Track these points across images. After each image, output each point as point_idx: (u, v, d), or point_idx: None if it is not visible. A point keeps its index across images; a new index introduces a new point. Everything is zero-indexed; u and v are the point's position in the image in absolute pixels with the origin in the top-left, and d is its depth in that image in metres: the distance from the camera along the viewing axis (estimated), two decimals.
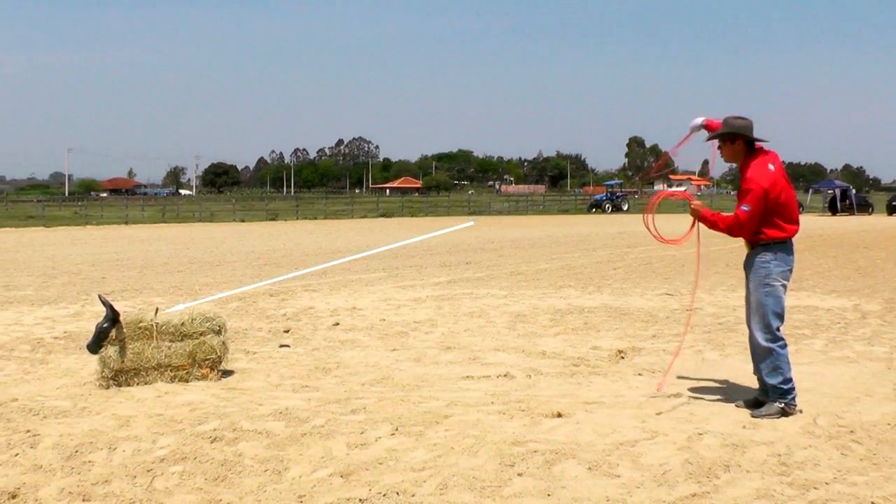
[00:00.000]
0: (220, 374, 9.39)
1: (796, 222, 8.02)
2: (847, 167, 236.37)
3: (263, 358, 10.70)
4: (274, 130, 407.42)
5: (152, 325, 9.20)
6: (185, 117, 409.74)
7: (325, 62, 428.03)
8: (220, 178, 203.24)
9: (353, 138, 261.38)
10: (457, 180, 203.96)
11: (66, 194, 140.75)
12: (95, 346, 9.14)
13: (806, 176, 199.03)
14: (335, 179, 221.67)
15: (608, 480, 6.08)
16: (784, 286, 7.94)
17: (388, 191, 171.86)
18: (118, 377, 9.08)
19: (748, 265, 8.06)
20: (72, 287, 18.85)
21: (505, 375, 9.49)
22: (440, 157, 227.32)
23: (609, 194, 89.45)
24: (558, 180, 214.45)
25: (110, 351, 9.08)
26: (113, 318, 9.15)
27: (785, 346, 7.95)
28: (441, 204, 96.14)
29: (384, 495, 5.83)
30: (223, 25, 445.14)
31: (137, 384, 9.07)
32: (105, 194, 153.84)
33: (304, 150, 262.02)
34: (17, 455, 6.75)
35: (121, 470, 6.38)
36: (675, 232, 8.97)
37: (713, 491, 5.87)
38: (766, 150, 8.05)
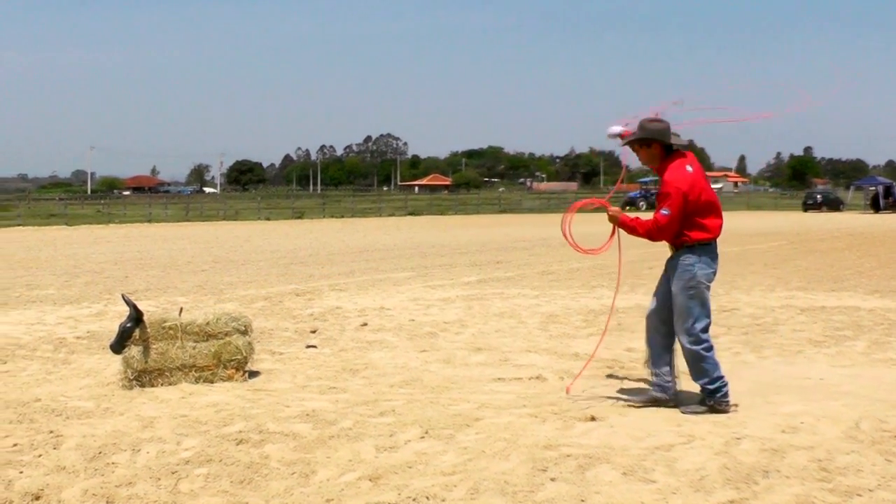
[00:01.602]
0: (245, 374, 9.42)
1: (719, 222, 8.06)
2: (890, 163, 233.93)
3: (290, 359, 10.73)
4: (300, 127, 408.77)
5: (176, 325, 9.23)
6: (209, 114, 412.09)
7: (353, 57, 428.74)
8: (244, 176, 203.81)
9: (381, 135, 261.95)
10: (487, 177, 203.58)
11: (89, 192, 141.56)
12: (119, 345, 9.19)
13: (847, 172, 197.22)
14: (362, 177, 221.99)
15: (643, 486, 6.05)
16: (708, 288, 7.98)
17: (416, 188, 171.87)
18: (142, 378, 9.13)
19: (671, 267, 8.10)
20: (94, 286, 18.97)
21: (537, 377, 9.48)
22: (470, 154, 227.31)
23: (644, 192, 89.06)
24: (591, 177, 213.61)
25: (134, 351, 9.13)
26: (136, 317, 9.20)
27: (710, 348, 8.02)
28: (471, 202, 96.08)
29: (413, 500, 5.82)
30: (248, 20, 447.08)
31: (161, 385, 9.11)
32: (128, 192, 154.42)
33: (330, 146, 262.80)
34: (40, 456, 6.79)
35: (145, 472, 6.41)
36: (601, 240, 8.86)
37: (751, 497, 5.83)
38: (683, 152, 8.11)
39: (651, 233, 7.94)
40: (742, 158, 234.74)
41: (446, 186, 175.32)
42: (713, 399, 7.95)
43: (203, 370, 9.23)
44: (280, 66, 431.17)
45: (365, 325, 13.31)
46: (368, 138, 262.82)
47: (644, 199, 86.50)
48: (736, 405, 8.03)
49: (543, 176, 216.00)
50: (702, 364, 7.96)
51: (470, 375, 9.66)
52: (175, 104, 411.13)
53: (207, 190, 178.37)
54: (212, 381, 9.19)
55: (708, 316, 8.01)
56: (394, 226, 53.52)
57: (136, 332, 9.17)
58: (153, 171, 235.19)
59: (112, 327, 12.15)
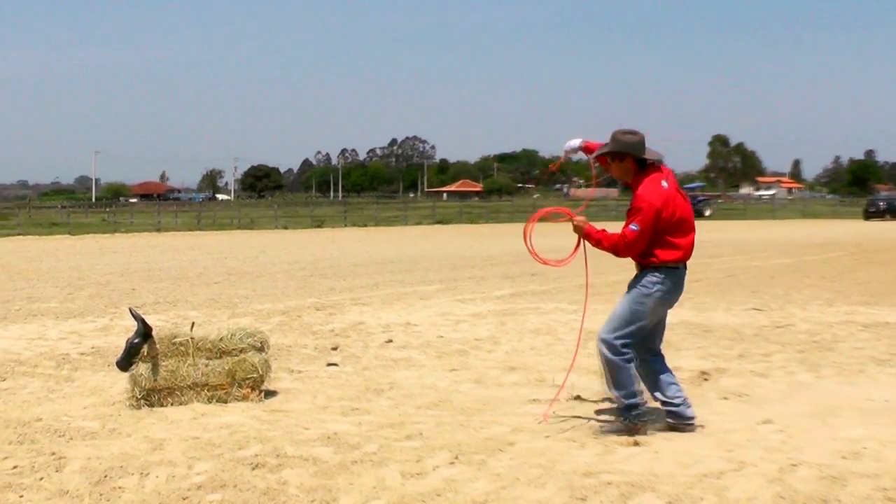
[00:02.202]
0: (262, 394, 9.44)
1: (691, 243, 8.12)
2: None
3: (309, 377, 10.74)
4: (320, 130, 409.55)
5: (188, 341, 9.27)
6: (222, 116, 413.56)
7: (377, 54, 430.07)
8: (260, 182, 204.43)
9: (407, 137, 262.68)
10: (521, 183, 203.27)
11: (93, 200, 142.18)
12: (126, 362, 9.23)
13: None
14: (387, 183, 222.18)
15: None
16: (654, 311, 8.03)
17: (444, 195, 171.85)
18: (150, 397, 9.16)
19: (633, 283, 8.13)
20: (99, 299, 19.07)
21: (575, 398, 9.45)
22: (502, 158, 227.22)
23: (690, 198, 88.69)
24: None
25: (142, 368, 9.17)
26: (145, 332, 9.24)
27: (630, 361, 8.03)
28: (503, 209, 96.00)
29: None
30: (264, 16, 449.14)
31: (171, 405, 9.14)
32: (135, 200, 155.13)
33: (352, 150, 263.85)
34: (41, 479, 6.83)
35: (154, 497, 6.43)
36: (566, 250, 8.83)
37: None
38: (660, 167, 8.13)
39: (617, 247, 7.97)
40: (797, 163, 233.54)
41: (477, 193, 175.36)
42: (629, 416, 8.01)
43: (216, 389, 9.25)
44: (298, 64, 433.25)
45: (390, 341, 13.32)
46: (393, 141, 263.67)
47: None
48: (644, 424, 8.03)
49: (581, 182, 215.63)
50: (618, 375, 8.01)
51: (503, 396, 9.65)
52: (186, 105, 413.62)
53: (220, 197, 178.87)
54: (225, 401, 9.22)
55: (634, 339, 8.03)
56: (420, 235, 53.57)
57: (145, 349, 9.20)
58: (162, 177, 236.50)
59: (118, 343, 12.19)
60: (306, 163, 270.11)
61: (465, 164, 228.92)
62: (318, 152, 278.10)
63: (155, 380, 9.15)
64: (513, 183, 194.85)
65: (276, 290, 20.68)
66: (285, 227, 66.96)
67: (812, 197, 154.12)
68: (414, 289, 20.93)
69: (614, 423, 8.15)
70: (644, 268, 8.07)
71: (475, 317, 15.95)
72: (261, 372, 9.39)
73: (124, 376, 9.47)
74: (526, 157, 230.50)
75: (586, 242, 8.31)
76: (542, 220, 8.75)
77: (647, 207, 7.80)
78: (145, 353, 9.19)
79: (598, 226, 8.29)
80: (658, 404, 8.30)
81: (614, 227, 8.19)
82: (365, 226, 70.77)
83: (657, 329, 8.28)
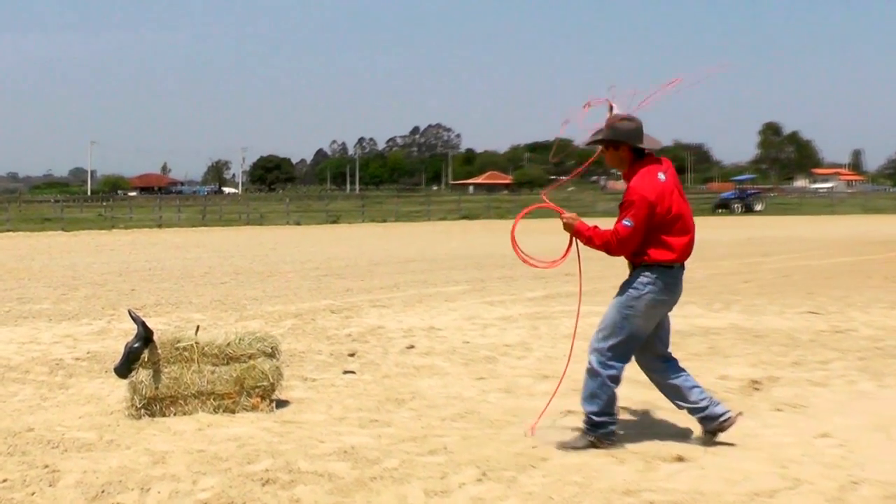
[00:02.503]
0: (272, 404, 9.46)
1: (688, 243, 8.07)
2: None
3: (324, 386, 10.76)
4: (335, 117, 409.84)
5: (192, 346, 9.29)
6: (228, 102, 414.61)
7: (397, 35, 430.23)
8: (270, 174, 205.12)
9: (430, 125, 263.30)
10: (554, 175, 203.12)
11: (89, 193, 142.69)
12: (125, 369, 9.26)
13: None
14: (408, 174, 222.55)
15: None
16: (648, 318, 8.04)
17: (471, 188, 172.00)
18: (151, 406, 9.19)
19: (625, 284, 8.16)
20: (96, 300, 19.14)
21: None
22: (533, 148, 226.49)
23: (739, 192, 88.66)
24: (678, 174, 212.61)
25: (142, 375, 9.20)
26: (145, 336, 9.27)
27: (617, 380, 8.08)
28: (535, 203, 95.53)
29: None
30: None
31: (174, 414, 9.18)
32: (134, 193, 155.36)
33: (371, 139, 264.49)
34: (33, 494, 6.86)
35: None
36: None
37: None
38: (659, 158, 8.15)
39: (609, 245, 7.99)
40: (857, 153, 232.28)
41: (506, 186, 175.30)
42: (595, 433, 8.03)
43: (223, 398, 9.28)
44: (312, 46, 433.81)
45: (412, 347, 13.33)
46: (415, 130, 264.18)
47: (740, 201, 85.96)
48: (622, 445, 8.04)
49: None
50: (598, 391, 8.04)
51: (535, 407, 9.63)
52: (189, 91, 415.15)
53: (227, 190, 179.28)
54: (233, 411, 9.24)
55: (628, 347, 8.06)
56: (445, 231, 53.59)
57: (145, 354, 9.24)
58: (164, 168, 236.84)
59: (116, 347, 12.25)
60: (320, 153, 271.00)
61: (494, 154, 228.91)
62: (334, 141, 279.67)
63: (156, 388, 9.18)
64: (545, 175, 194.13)
65: (288, 292, 20.72)
66: (298, 223, 67.09)
67: (874, 190, 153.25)
68: (438, 290, 20.93)
69: (577, 438, 8.14)
70: (635, 266, 8.08)
71: (505, 320, 15.95)
72: (271, 380, 9.41)
73: (123, 384, 9.51)
74: (559, 147, 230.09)
75: (579, 241, 8.32)
76: (528, 216, 8.76)
77: (639, 201, 7.79)
78: (146, 359, 9.22)
79: (590, 222, 8.29)
80: (686, 413, 8.30)
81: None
82: (384, 221, 70.79)
83: (659, 333, 8.28)
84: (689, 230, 8.07)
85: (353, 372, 11.58)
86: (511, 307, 17.75)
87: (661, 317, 8.20)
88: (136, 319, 9.38)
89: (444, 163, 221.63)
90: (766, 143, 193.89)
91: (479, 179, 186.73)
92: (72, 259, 31.61)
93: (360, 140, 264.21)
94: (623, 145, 8.04)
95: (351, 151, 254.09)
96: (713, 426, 8.13)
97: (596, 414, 8.00)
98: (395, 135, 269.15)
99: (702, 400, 8.16)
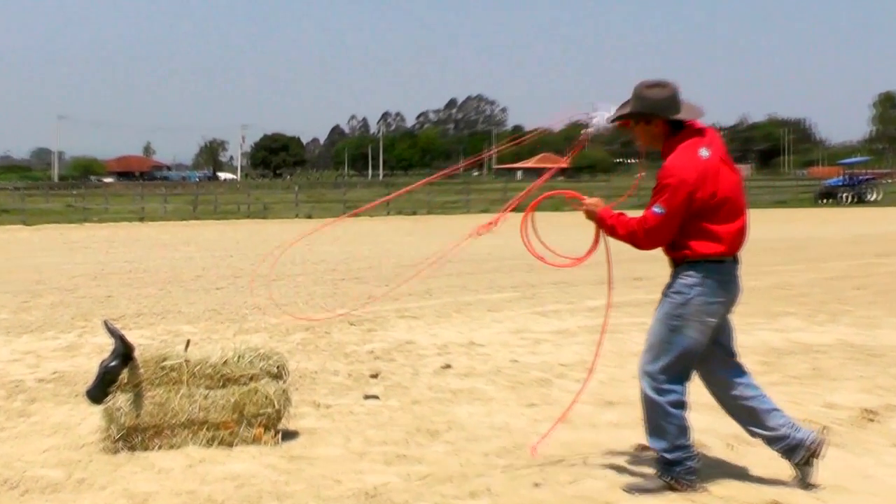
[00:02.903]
0: (278, 435, 9.48)
1: (740, 230, 7.95)
2: None
3: (341, 414, 10.78)
4: (353, 88, 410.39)
5: (181, 365, 9.32)
6: (225, 71, 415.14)
7: None
8: (276, 157, 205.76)
9: (470, 97, 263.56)
10: (620, 158, 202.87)
11: (56, 179, 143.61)
12: (99, 392, 9.29)
13: None
14: (443, 157, 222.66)
15: None
16: (704, 327, 7.92)
17: (519, 173, 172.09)
18: (132, 437, 9.22)
19: (668, 287, 8.11)
20: (64, 309, 19.24)
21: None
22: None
23: (847, 178, 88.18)
24: (771, 157, 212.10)
25: (120, 400, 9.22)
26: (124, 353, 9.30)
27: (681, 405, 7.99)
28: (597, 192, 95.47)
29: None
30: None
31: (159, 448, 9.20)
32: (111, 179, 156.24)
33: (397, 115, 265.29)
34: None
35: None
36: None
37: None
38: (701, 128, 8.02)
39: (635, 236, 7.93)
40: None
41: (562, 171, 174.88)
42: (671, 473, 7.95)
43: (218, 428, 9.30)
44: (325, 4, 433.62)
45: (448, 367, 13.35)
46: (452, 103, 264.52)
47: (849, 188, 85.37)
48: (704, 487, 7.97)
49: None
50: (662, 422, 7.95)
51: (598, 441, 9.63)
52: (178, 58, 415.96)
53: (223, 176, 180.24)
54: (231, 444, 9.27)
55: (684, 366, 7.99)
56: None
57: (124, 374, 9.26)
58: (147, 149, 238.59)
59: (89, 367, 12.29)
60: (336, 131, 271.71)
61: (547, 132, 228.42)
62: (352, 117, 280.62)
63: (138, 415, 9.20)
64: (610, 157, 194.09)
65: (298, 299, 20.78)
66: (309, 216, 67.37)
67: None
68: (479, 297, 20.94)
69: (649, 478, 8.10)
70: (677, 264, 8.02)
71: (560, 335, 15.93)
72: (277, 406, 9.42)
73: (97, 410, 9.53)
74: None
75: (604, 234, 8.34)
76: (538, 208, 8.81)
77: (676, 184, 7.69)
78: (125, 381, 9.25)
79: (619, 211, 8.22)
80: (762, 442, 8.24)
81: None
82: (414, 214, 70.99)
83: (720, 339, 8.18)
84: (740, 213, 7.95)
85: (376, 397, 11.60)
86: (568, 319, 17.73)
87: (719, 321, 8.08)
88: (113, 332, 9.41)
89: (487, 143, 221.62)
90: (881, 118, 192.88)
91: (530, 163, 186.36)
92: (35, 259, 31.82)
93: (385, 116, 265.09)
94: (655, 119, 7.96)
95: (373, 129, 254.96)
96: (801, 456, 8.04)
97: (667, 451, 7.96)
98: (426, 109, 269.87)
99: (782, 426, 8.09)
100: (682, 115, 7.93)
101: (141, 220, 62.13)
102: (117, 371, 9.25)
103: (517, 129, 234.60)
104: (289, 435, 9.67)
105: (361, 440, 9.68)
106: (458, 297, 20.94)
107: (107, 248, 37.36)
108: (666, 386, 7.93)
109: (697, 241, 7.81)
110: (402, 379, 12.60)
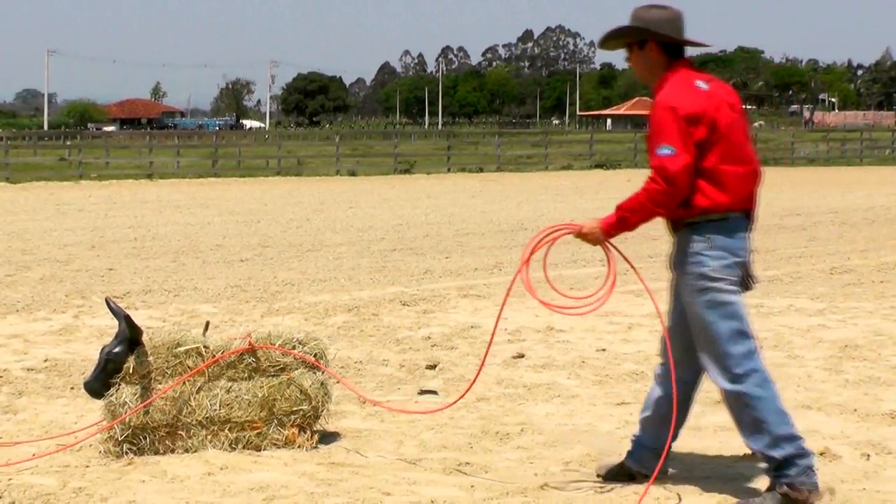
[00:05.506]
0: (315, 437, 9.52)
1: (745, 178, 7.92)
2: None
3: (392, 413, 10.80)
4: (406, 19, 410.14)
5: (198, 352, 9.35)
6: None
7: None
8: (312, 101, 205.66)
9: (548, 29, 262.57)
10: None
11: (46, 128, 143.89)
12: (100, 384, 9.34)
13: None
14: (517, 102, 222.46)
15: None
16: (733, 286, 7.91)
17: (608, 122, 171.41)
18: (139, 438, 9.28)
19: (677, 262, 8.14)
20: (57, 285, 19.37)
21: (822, 454, 9.37)
22: (703, 62, 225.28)
23: None
24: None
25: (126, 394, 9.28)
26: (130, 337, 9.34)
27: (764, 381, 7.89)
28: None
29: None
30: None
31: (172, 451, 9.26)
32: (112, 128, 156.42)
33: (460, 50, 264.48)
34: None
35: None
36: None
37: None
38: (701, 69, 8.05)
39: (652, 196, 7.89)
40: None
41: None
42: (785, 476, 7.80)
43: (243, 428, 9.34)
44: None
45: (521, 356, 13.39)
46: (527, 35, 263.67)
47: None
48: (832, 490, 7.91)
49: (834, 101, 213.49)
50: (753, 413, 7.87)
51: (705, 447, 9.63)
52: None
53: (249, 124, 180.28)
54: (259, 448, 9.31)
55: (741, 338, 7.93)
56: (571, 186, 53.46)
57: (130, 363, 9.31)
58: (156, 91, 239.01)
59: (88, 354, 12.38)
60: (385, 69, 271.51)
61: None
62: (406, 53, 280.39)
63: (146, 412, 9.26)
64: None
65: (340, 273, 20.86)
66: (352, 173, 67.32)
67: None
68: (559, 272, 20.89)
69: (765, 495, 8.01)
70: (675, 228, 8.05)
71: (657, 319, 15.87)
72: (314, 402, 9.46)
73: (98, 406, 9.60)
74: (742, 61, 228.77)
75: (614, 246, 8.61)
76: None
77: (668, 118, 7.68)
78: (131, 371, 9.30)
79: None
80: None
81: None
82: (480, 171, 70.80)
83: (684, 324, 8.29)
84: (747, 161, 7.95)
85: (434, 392, 11.65)
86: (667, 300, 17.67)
87: (738, 277, 8.03)
88: (116, 313, 9.44)
89: (570, 85, 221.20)
90: None
91: (622, 109, 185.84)
92: (21, 224, 31.97)
93: (445, 51, 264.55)
94: (649, 41, 7.96)
95: (431, 68, 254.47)
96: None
97: (770, 446, 7.84)
98: (495, 43, 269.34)
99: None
100: (680, 38, 7.95)
101: (149, 177, 62.19)
102: (122, 359, 9.28)
103: (607, 69, 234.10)
104: (328, 437, 9.71)
105: (416, 444, 9.73)
106: (533, 273, 20.89)
107: (107, 210, 37.43)
108: (739, 370, 7.89)
109: (697, 194, 7.81)
110: (466, 371, 12.62)
